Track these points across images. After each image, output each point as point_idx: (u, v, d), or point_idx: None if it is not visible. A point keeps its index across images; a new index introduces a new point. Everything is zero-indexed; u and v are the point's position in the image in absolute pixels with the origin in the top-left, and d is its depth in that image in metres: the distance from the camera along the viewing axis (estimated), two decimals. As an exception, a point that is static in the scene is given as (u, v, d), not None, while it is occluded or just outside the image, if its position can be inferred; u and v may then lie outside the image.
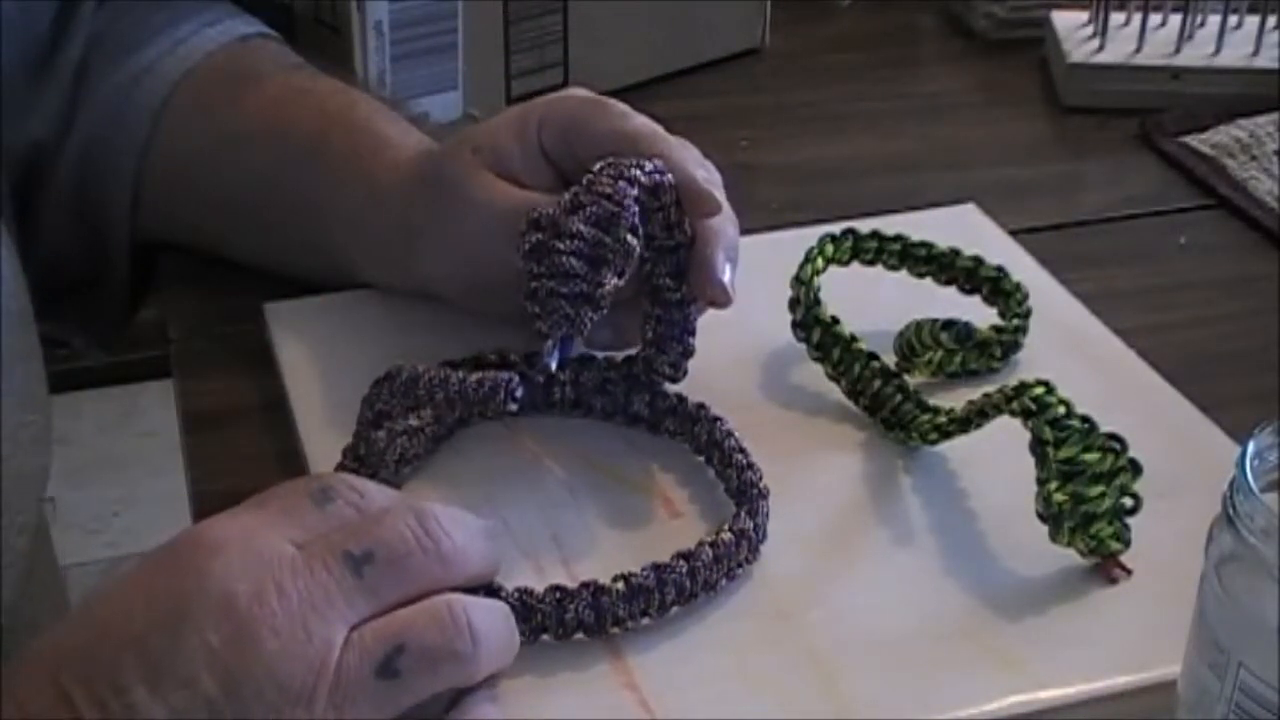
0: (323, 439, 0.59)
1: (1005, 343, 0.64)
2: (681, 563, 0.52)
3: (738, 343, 0.65)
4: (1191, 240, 0.77)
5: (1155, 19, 0.91)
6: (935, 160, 0.81)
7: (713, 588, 0.52)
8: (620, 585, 0.51)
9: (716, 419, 0.59)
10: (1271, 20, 0.90)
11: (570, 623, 0.50)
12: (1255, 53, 0.89)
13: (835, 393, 0.61)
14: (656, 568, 0.51)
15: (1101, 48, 0.90)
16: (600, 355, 0.61)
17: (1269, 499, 0.42)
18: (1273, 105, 0.86)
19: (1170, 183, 0.82)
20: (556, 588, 0.50)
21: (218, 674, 0.42)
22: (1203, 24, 0.91)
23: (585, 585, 0.51)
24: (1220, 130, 0.85)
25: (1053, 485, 0.53)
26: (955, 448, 0.59)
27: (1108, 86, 0.89)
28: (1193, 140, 0.84)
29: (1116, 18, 0.91)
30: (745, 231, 0.67)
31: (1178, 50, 0.90)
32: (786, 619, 0.52)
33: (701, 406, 0.59)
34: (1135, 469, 0.54)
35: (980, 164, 0.83)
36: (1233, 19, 0.90)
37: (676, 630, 0.52)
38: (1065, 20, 0.93)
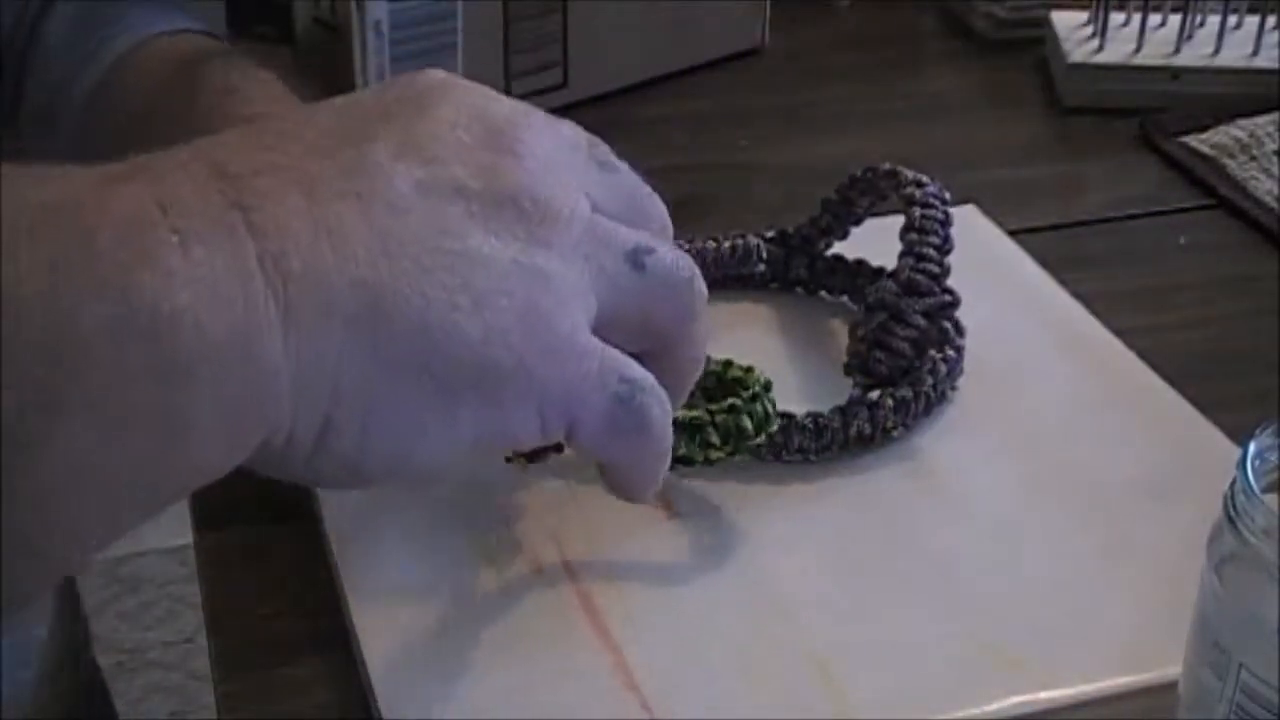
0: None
1: (723, 426, 0.54)
2: (863, 410, 0.58)
3: (729, 349, 0.65)
4: (1191, 240, 0.77)
5: (1155, 19, 0.91)
6: (935, 160, 0.81)
7: (889, 433, 0.59)
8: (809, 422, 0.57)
9: (880, 269, 0.64)
10: (1271, 20, 0.90)
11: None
12: (1255, 53, 0.89)
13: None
14: (841, 410, 0.58)
15: (1101, 48, 0.90)
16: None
17: (1269, 499, 0.42)
18: (1273, 105, 0.86)
19: (1170, 183, 0.82)
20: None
21: (471, 163, 0.39)
22: (1202, 24, 0.91)
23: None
24: (1220, 130, 0.85)
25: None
26: (955, 449, 0.59)
27: (1108, 86, 0.89)
28: (1193, 140, 0.84)
29: (1116, 18, 0.91)
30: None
31: (1177, 50, 0.90)
32: (786, 619, 0.52)
33: (861, 262, 0.66)
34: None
35: (980, 164, 0.83)
36: (1232, 19, 0.90)
37: (676, 630, 0.52)
38: (1065, 20, 0.93)
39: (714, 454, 0.54)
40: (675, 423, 0.51)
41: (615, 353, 0.42)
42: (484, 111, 0.41)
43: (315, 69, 0.81)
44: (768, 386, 0.55)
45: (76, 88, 0.68)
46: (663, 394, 0.43)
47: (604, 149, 0.44)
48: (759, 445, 0.55)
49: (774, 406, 0.55)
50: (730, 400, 0.54)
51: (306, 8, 0.80)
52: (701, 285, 0.44)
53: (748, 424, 0.54)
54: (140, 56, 0.69)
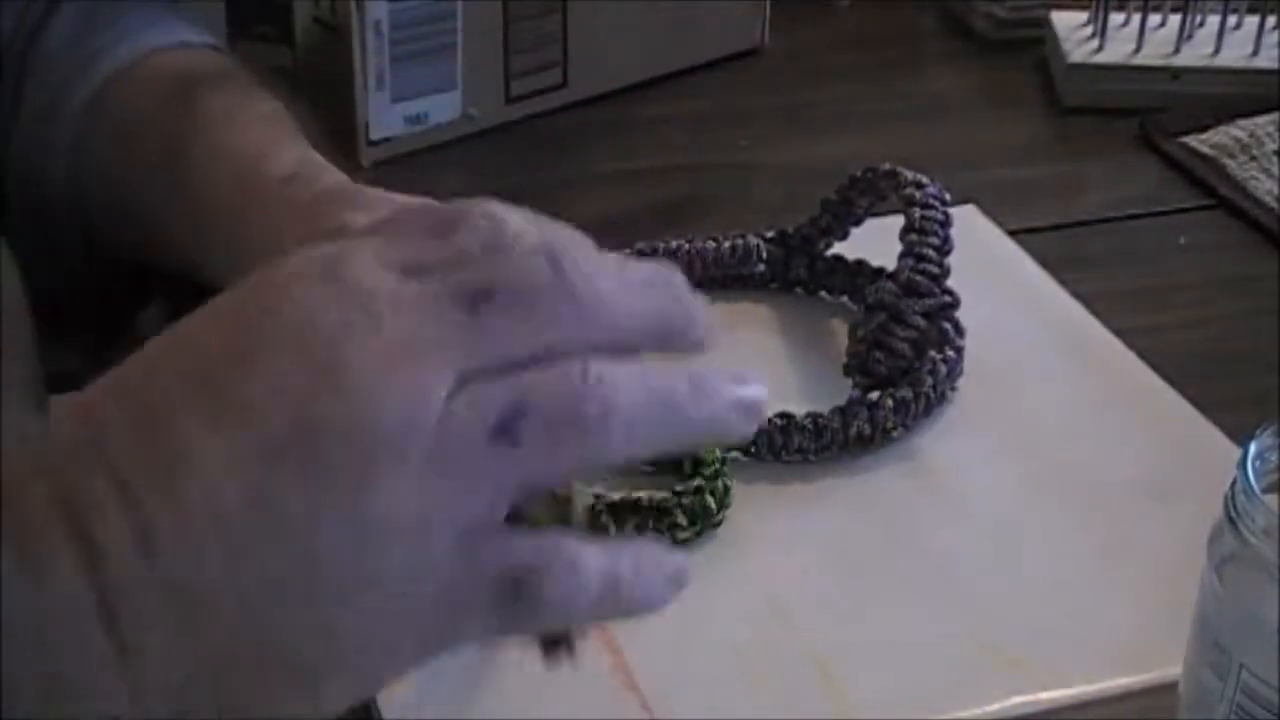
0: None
1: (689, 507, 0.55)
2: (863, 410, 0.58)
3: (727, 350, 0.65)
4: (1191, 240, 0.77)
5: (1155, 19, 0.91)
6: (935, 160, 0.81)
7: (889, 434, 0.59)
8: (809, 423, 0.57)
9: (880, 269, 0.64)
10: (1271, 20, 0.90)
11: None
12: (1255, 53, 0.89)
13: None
14: (841, 411, 0.58)
15: (1101, 48, 0.90)
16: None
17: (1270, 500, 0.42)
18: (1273, 105, 0.86)
19: (1170, 183, 0.82)
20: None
21: (286, 411, 0.35)
22: (1202, 24, 0.91)
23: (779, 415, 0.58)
24: (1220, 130, 0.85)
25: None
26: (955, 449, 0.59)
27: (1108, 86, 0.89)
28: (1193, 140, 0.84)
29: (1116, 18, 0.91)
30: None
31: (1177, 50, 0.90)
32: (785, 619, 0.52)
33: (861, 263, 0.66)
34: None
35: (980, 164, 0.83)
36: (1232, 19, 0.90)
37: (676, 630, 0.51)
38: (1065, 20, 0.93)
39: (680, 535, 0.54)
40: (640, 506, 0.54)
41: (488, 549, 0.37)
42: (312, 327, 0.36)
43: (315, 69, 0.81)
44: (724, 460, 0.56)
45: (76, 93, 0.68)
46: (556, 563, 0.38)
47: (489, 274, 0.37)
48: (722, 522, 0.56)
49: (731, 480, 0.56)
50: (696, 482, 0.55)
51: (306, 8, 0.80)
52: (600, 400, 0.37)
53: (711, 503, 0.55)
54: (140, 69, 0.69)
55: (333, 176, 0.62)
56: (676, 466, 0.57)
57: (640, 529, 0.54)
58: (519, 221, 0.38)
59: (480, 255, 0.37)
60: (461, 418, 0.36)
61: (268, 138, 0.64)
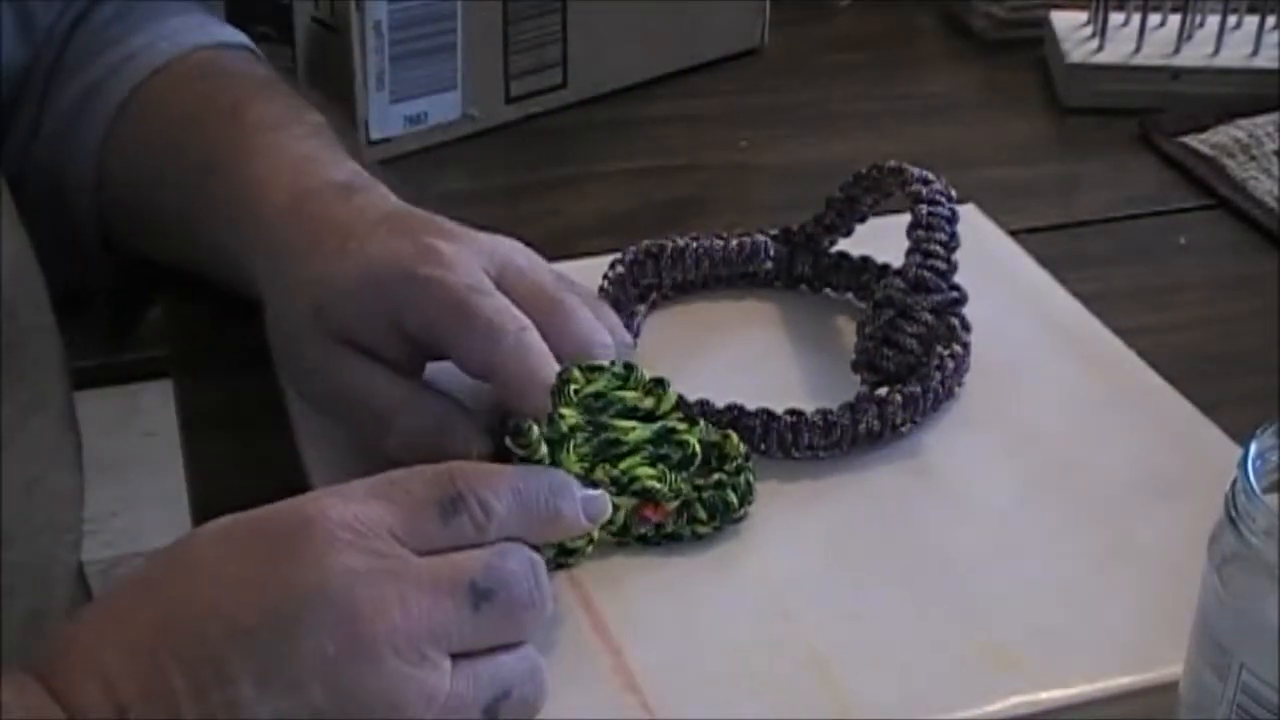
0: (320, 439, 0.59)
1: (709, 501, 0.55)
2: (872, 406, 0.58)
3: (735, 348, 0.65)
4: (1191, 240, 0.77)
5: (1154, 19, 0.91)
6: (935, 160, 0.81)
7: (898, 430, 0.59)
8: (819, 419, 0.57)
9: (885, 266, 0.64)
10: (1271, 20, 0.90)
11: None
12: (1255, 53, 0.89)
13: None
14: (851, 407, 0.57)
15: (1101, 48, 0.90)
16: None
17: (1270, 500, 0.42)
18: (1272, 105, 0.86)
19: (1170, 183, 0.82)
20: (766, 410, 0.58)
21: (329, 684, 0.42)
22: (1202, 24, 0.91)
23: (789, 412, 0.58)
24: (1220, 130, 0.85)
25: (566, 411, 0.52)
26: (960, 447, 0.59)
27: (1107, 87, 0.89)
28: (1192, 140, 0.84)
29: (1116, 18, 0.91)
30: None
31: (1177, 50, 0.90)
32: (787, 619, 0.52)
33: (866, 259, 0.66)
34: (689, 416, 0.53)
35: (980, 164, 0.83)
36: (1232, 19, 0.90)
37: (677, 630, 0.52)
38: (1065, 20, 0.93)
39: (700, 529, 0.55)
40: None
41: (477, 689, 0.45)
42: (354, 608, 0.42)
43: (315, 69, 0.81)
44: (748, 455, 0.56)
45: (110, 92, 0.68)
46: (525, 673, 0.46)
47: (493, 576, 0.45)
48: (742, 517, 0.56)
49: (755, 475, 0.56)
50: (716, 476, 0.55)
51: (306, 8, 0.80)
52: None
53: (733, 498, 0.55)
54: (178, 69, 0.69)
55: (386, 192, 0.62)
56: (691, 460, 0.56)
57: (659, 524, 0.54)
58: (500, 512, 0.46)
59: (485, 553, 0.46)
60: (462, 696, 0.44)
61: (320, 149, 0.64)
